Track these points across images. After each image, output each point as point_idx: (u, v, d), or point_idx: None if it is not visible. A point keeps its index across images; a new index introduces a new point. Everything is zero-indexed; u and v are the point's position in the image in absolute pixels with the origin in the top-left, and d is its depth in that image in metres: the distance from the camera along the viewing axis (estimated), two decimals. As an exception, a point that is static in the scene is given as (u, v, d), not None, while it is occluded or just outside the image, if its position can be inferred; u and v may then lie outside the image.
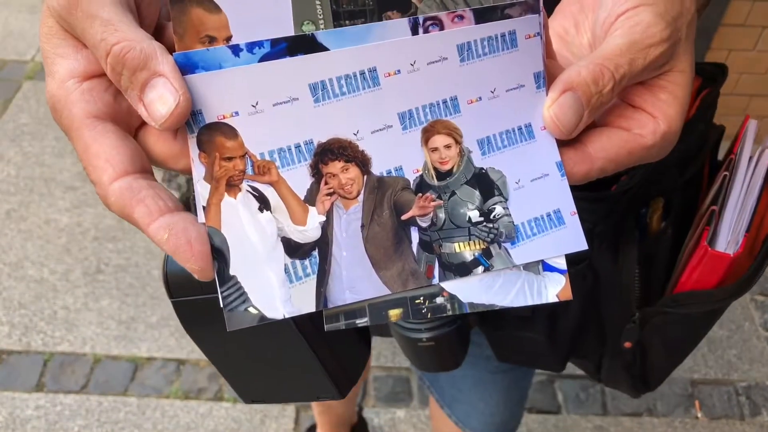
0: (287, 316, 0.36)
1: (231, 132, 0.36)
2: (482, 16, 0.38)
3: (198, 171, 0.36)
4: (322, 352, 0.40)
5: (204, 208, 0.36)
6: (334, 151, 0.37)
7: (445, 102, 0.38)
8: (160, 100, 0.34)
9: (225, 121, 0.36)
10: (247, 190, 0.37)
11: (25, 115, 2.22)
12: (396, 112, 0.37)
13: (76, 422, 1.60)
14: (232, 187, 0.36)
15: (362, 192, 0.37)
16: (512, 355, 0.80)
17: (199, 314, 0.40)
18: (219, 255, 0.35)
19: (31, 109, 2.24)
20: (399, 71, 0.37)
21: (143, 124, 0.38)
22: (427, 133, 0.38)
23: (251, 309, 0.35)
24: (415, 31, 0.37)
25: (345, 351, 0.43)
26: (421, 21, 0.37)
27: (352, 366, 0.44)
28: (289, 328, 0.39)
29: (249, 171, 0.37)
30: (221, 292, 0.35)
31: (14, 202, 2.00)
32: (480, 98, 0.39)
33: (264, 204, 0.37)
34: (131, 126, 0.38)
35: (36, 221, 1.96)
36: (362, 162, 0.37)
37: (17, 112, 2.22)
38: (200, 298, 0.39)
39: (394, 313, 0.37)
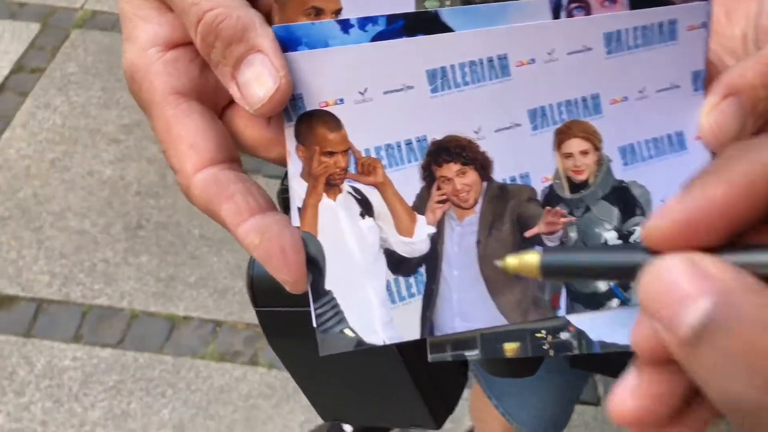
0: (387, 342, 0.31)
1: (334, 122, 0.31)
2: (639, 0, 0.31)
3: (294, 166, 0.31)
4: (421, 378, 0.36)
5: (299, 209, 0.31)
6: (450, 151, 0.32)
7: (584, 100, 0.32)
8: (258, 81, 0.29)
9: (328, 109, 0.31)
10: (349, 192, 0.32)
11: (72, 64, 2.19)
12: (526, 109, 0.32)
13: (112, 377, 1.60)
14: (332, 186, 0.31)
15: (480, 201, 0.32)
16: (589, 365, 0.75)
17: (286, 327, 0.36)
18: (314, 265, 0.31)
19: (79, 58, 2.21)
20: (533, 60, 0.32)
21: (232, 102, 0.33)
22: (562, 136, 0.32)
23: (347, 331, 0.31)
24: (556, 14, 0.31)
25: (444, 377, 0.38)
26: (564, 2, 0.31)
27: (451, 394, 0.39)
28: (389, 349, 0.34)
29: (351, 169, 0.31)
30: (315, 310, 0.30)
31: (59, 152, 1.99)
32: (626, 98, 0.33)
33: (366, 209, 0.32)
34: (218, 105, 0.33)
35: (79, 172, 1.95)
36: (482, 165, 0.32)
37: (65, 61, 2.20)
38: (289, 311, 0.35)
39: (510, 348, 0.32)
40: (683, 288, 0.19)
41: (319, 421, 1.56)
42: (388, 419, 0.40)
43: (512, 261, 0.24)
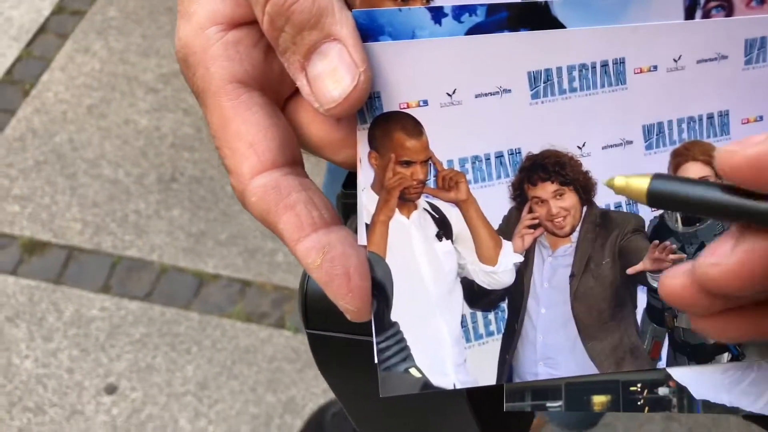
0: (459, 386, 0.27)
1: (415, 128, 0.26)
2: (794, 2, 0.26)
3: (365, 175, 0.26)
4: (488, 423, 0.32)
5: (367, 225, 0.27)
6: (547, 168, 0.27)
7: (711, 118, 0.27)
8: (332, 77, 0.24)
9: (409, 111, 0.26)
10: (425, 209, 0.27)
11: (113, 9, 2.15)
12: (641, 124, 0.27)
13: (138, 329, 1.60)
14: (407, 202, 0.27)
15: (578, 229, 0.27)
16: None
17: (341, 355, 0.31)
18: (379, 292, 0.26)
19: (120, 3, 2.17)
20: (655, 68, 0.26)
21: (297, 93, 0.28)
22: (679, 158, 0.27)
23: (413, 371, 0.27)
24: (690, 14, 0.26)
25: (512, 422, 0.34)
26: (702, 0, 0.26)
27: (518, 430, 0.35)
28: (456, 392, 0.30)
29: (430, 183, 0.27)
30: (377, 344, 0.26)
31: (96, 98, 1.97)
32: (760, 118, 0.27)
33: (444, 230, 0.27)
34: (281, 95, 0.28)
35: (115, 120, 1.93)
36: (584, 187, 0.27)
37: (106, 5, 2.16)
38: (347, 338, 0.31)
39: (600, 401, 0.28)
40: None
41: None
42: None
43: (620, 181, 0.23)
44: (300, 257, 0.26)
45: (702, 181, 0.26)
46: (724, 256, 0.21)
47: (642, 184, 0.22)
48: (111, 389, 1.53)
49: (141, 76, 2.01)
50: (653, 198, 0.22)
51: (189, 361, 1.57)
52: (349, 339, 0.30)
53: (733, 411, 0.28)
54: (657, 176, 0.22)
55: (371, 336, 0.30)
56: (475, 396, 0.31)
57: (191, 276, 1.69)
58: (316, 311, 0.31)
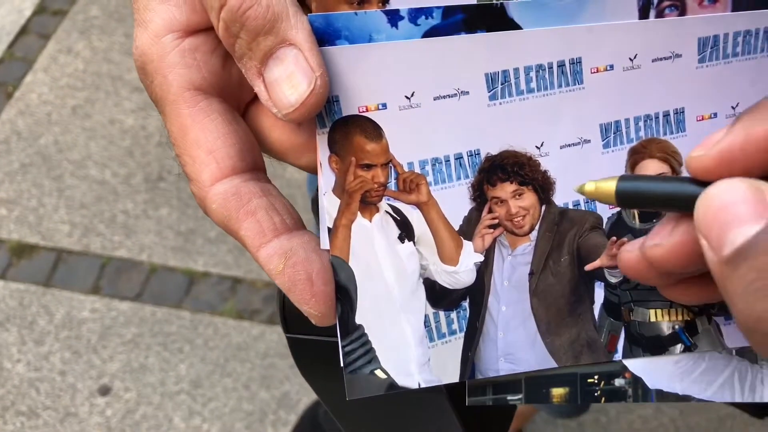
0: (423, 385, 0.27)
1: (374, 131, 0.27)
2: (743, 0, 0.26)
3: (326, 180, 0.27)
4: (468, 416, 0.32)
5: (329, 229, 0.27)
6: (506, 169, 0.27)
7: (666, 115, 0.27)
8: (289, 82, 0.25)
9: (368, 114, 0.26)
10: (387, 212, 0.27)
11: (95, 8, 2.14)
12: (598, 123, 0.27)
13: (130, 329, 1.60)
14: (368, 205, 0.27)
15: (537, 227, 0.28)
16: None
17: (319, 357, 0.32)
18: (343, 295, 0.27)
19: (102, 1, 2.15)
20: (611, 67, 0.27)
21: (257, 98, 0.29)
22: (636, 156, 0.28)
23: (378, 372, 0.27)
24: (644, 14, 0.26)
25: (493, 415, 0.35)
26: (655, 0, 0.26)
27: (499, 425, 0.35)
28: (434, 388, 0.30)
29: (392, 186, 0.27)
30: (343, 347, 0.27)
31: (80, 98, 1.96)
32: (714, 115, 0.28)
33: (406, 231, 0.28)
34: (241, 101, 0.28)
35: (101, 120, 1.92)
36: (542, 186, 0.28)
37: (88, 4, 2.14)
38: (325, 340, 0.31)
39: (558, 393, 0.28)
40: (739, 210, 0.19)
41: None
42: None
43: (590, 186, 0.24)
44: (262, 263, 0.26)
45: (663, 177, 0.27)
46: (664, 237, 0.23)
47: (610, 186, 0.23)
48: (104, 390, 1.53)
49: (125, 75, 2.00)
50: (622, 198, 0.23)
51: (182, 359, 1.57)
52: (327, 342, 0.31)
53: (685, 399, 0.28)
54: (623, 177, 0.23)
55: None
56: (454, 391, 0.31)
57: (181, 275, 1.69)
58: (294, 316, 0.31)
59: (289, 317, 0.33)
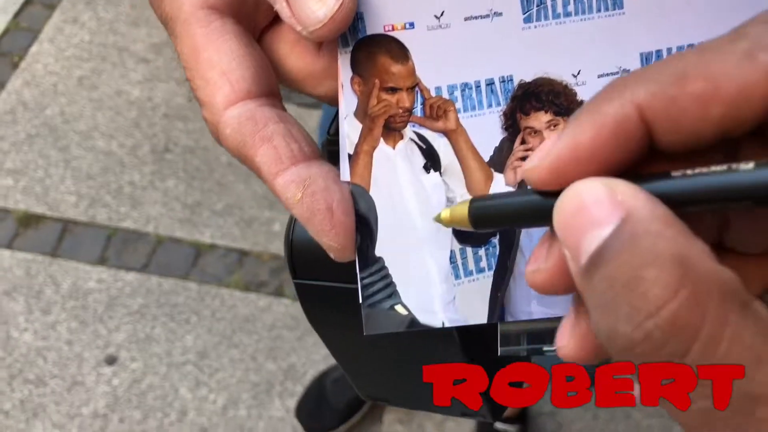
0: (447, 325, 0.26)
1: (400, 52, 0.25)
2: None
3: (348, 102, 0.25)
4: (482, 365, 0.31)
5: (350, 156, 0.25)
6: (540, 97, 0.26)
7: None
8: None
9: (394, 34, 0.25)
10: (411, 139, 0.26)
11: (101, -24, 2.11)
12: (638, 52, 0.25)
13: (136, 300, 1.60)
14: (392, 131, 0.26)
15: None
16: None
17: (328, 303, 0.30)
18: (363, 225, 0.25)
19: (108, -31, 2.13)
20: None
21: (273, 23, 0.27)
22: None
23: (399, 308, 0.26)
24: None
25: (508, 364, 0.33)
26: None
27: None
28: (446, 333, 0.29)
29: (417, 111, 0.26)
30: (361, 279, 0.25)
31: (86, 69, 1.94)
32: None
33: (432, 161, 0.26)
34: (257, 25, 0.27)
35: (107, 91, 1.90)
36: None
37: (93, -28, 2.12)
38: (335, 286, 0.29)
39: None
40: (591, 212, 0.18)
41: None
42: (439, 407, 0.35)
43: (445, 214, 0.22)
44: (279, 192, 0.24)
45: (517, 192, 0.25)
46: (541, 261, 0.21)
47: (463, 210, 0.22)
48: (111, 360, 1.53)
49: (131, 47, 1.98)
50: (477, 222, 0.22)
51: (188, 330, 1.57)
52: (336, 288, 0.29)
53: None
54: (474, 200, 0.22)
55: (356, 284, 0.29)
56: (471, 349, 0.30)
57: (188, 246, 1.68)
58: (302, 261, 0.30)
59: (298, 262, 0.31)
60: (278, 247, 1.69)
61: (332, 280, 0.30)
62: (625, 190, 0.18)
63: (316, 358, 1.56)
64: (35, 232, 1.69)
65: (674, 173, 0.18)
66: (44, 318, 1.57)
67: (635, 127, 0.18)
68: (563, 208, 0.18)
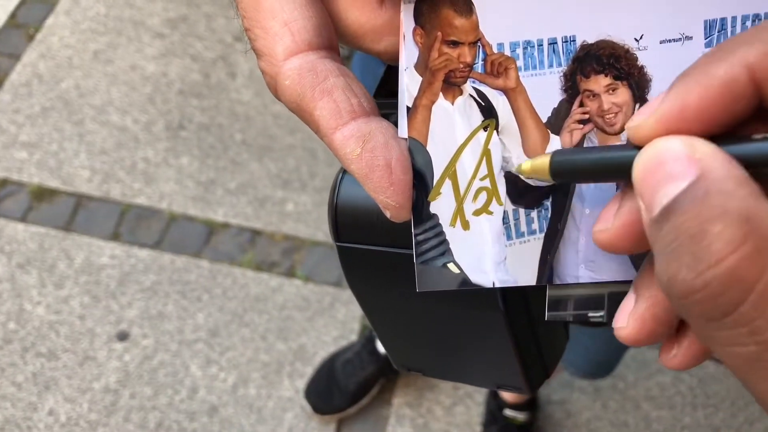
0: (498, 285, 0.25)
1: (465, 5, 0.24)
2: None
3: (409, 54, 0.24)
4: (523, 337, 0.30)
5: (408, 109, 0.25)
6: (602, 60, 0.25)
7: None
8: None
9: None
10: (471, 95, 0.25)
11: (118, -50, 2.10)
12: (703, 18, 0.25)
13: (149, 276, 1.60)
14: (451, 86, 0.25)
15: None
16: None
17: (373, 268, 0.30)
18: (419, 181, 0.25)
19: (125, -56, 2.12)
20: None
21: None
22: None
23: (451, 266, 0.25)
24: None
25: (547, 336, 0.33)
26: None
27: (551, 355, 0.34)
28: (490, 298, 0.28)
29: (478, 67, 0.25)
30: (416, 236, 0.25)
31: (102, 43, 1.93)
32: None
33: (490, 118, 0.25)
34: None
35: (122, 66, 1.90)
36: (638, 83, 0.25)
37: (110, -54, 2.11)
38: (380, 250, 0.29)
39: None
40: (669, 167, 0.18)
41: (353, 337, 1.56)
42: (474, 378, 0.35)
43: (526, 165, 0.23)
44: (337, 147, 0.24)
45: (600, 147, 0.25)
46: (609, 220, 0.22)
47: (544, 162, 0.22)
48: (123, 336, 1.54)
49: (147, 21, 1.97)
50: (557, 173, 0.22)
51: (200, 308, 1.57)
52: (380, 251, 0.29)
53: None
54: (557, 153, 0.22)
55: (402, 248, 0.28)
56: (515, 321, 0.29)
57: (201, 224, 1.68)
58: (346, 224, 0.29)
59: (342, 225, 0.31)
60: (291, 228, 1.69)
61: (377, 244, 0.29)
62: (704, 149, 0.18)
63: (326, 339, 1.56)
64: (49, 206, 1.69)
65: (755, 136, 0.19)
66: (57, 292, 1.58)
67: (744, 88, 0.19)
68: (644, 162, 0.19)
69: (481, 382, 0.35)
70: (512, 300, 0.29)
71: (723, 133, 0.19)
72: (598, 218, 0.22)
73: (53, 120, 1.80)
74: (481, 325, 0.30)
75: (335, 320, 1.58)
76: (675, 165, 0.18)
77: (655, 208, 0.18)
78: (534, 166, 0.23)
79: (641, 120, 0.20)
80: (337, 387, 1.47)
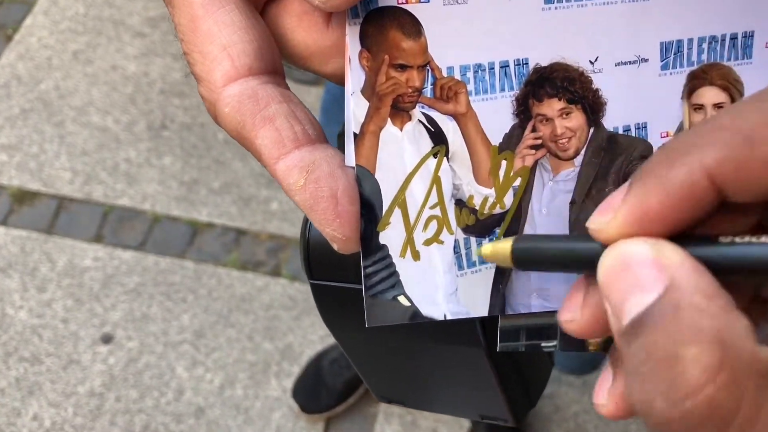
0: (449, 317, 0.25)
1: (413, 26, 0.23)
2: None
3: (355, 78, 0.24)
4: (505, 370, 0.29)
5: (355, 135, 0.24)
6: (555, 83, 0.24)
7: (734, 38, 0.24)
8: None
9: (407, 7, 0.23)
10: (420, 121, 0.24)
11: (96, -52, 2.07)
12: (659, 41, 0.24)
13: (133, 278, 1.59)
14: (400, 111, 0.24)
15: (583, 152, 0.25)
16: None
17: (347, 306, 0.29)
18: (367, 211, 0.24)
19: (103, -59, 2.09)
20: None
21: None
22: (695, 81, 0.25)
23: (402, 299, 0.24)
24: None
25: (531, 366, 0.32)
26: None
27: (536, 385, 0.33)
28: (470, 333, 0.27)
29: (427, 92, 0.24)
30: (364, 268, 0.24)
31: (81, 43, 1.91)
32: None
33: (440, 144, 0.25)
34: None
35: (102, 66, 1.87)
36: (592, 107, 0.25)
37: (88, -57, 2.08)
38: (353, 288, 0.28)
39: (595, 341, 0.26)
40: (636, 274, 0.18)
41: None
42: (458, 410, 0.34)
43: (486, 249, 0.22)
44: (280, 177, 0.23)
45: (564, 236, 0.25)
46: (576, 311, 0.21)
47: (506, 247, 0.21)
48: (107, 339, 1.53)
49: (127, 20, 1.95)
50: (519, 259, 0.21)
51: (185, 310, 1.56)
52: (355, 289, 0.28)
53: None
54: (519, 239, 0.22)
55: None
56: (495, 354, 0.29)
57: (185, 225, 1.67)
58: (319, 261, 0.29)
59: (314, 262, 0.30)
60: (276, 227, 1.68)
61: (350, 282, 0.29)
62: (670, 255, 0.18)
63: (312, 338, 1.55)
64: (30, 208, 1.67)
65: (722, 239, 0.18)
66: (39, 296, 1.56)
67: (705, 192, 0.18)
68: (609, 265, 0.19)
69: (464, 414, 0.34)
70: (492, 334, 0.28)
71: (686, 232, 0.19)
72: (563, 306, 0.21)
73: (33, 121, 1.78)
74: (461, 359, 0.30)
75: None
76: (642, 272, 0.18)
77: (624, 318, 0.18)
78: (495, 250, 0.22)
79: (603, 222, 0.19)
80: (324, 386, 1.46)
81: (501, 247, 0.21)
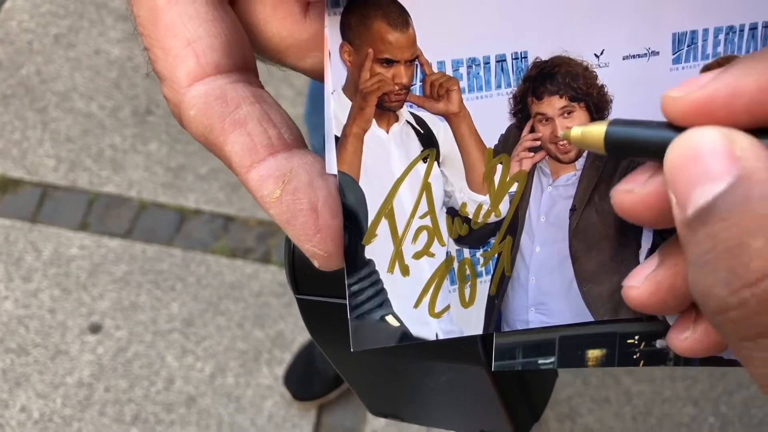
0: (441, 337, 0.23)
1: (400, 17, 0.21)
2: None
3: (335, 75, 0.21)
4: (508, 385, 0.28)
5: (337, 139, 0.22)
6: (557, 79, 0.22)
7: (753, 29, 0.22)
8: None
9: None
10: (408, 122, 0.22)
11: (76, -73, 2.02)
12: (670, 32, 0.22)
13: (120, 267, 1.56)
14: (386, 111, 0.22)
15: (585, 155, 0.23)
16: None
17: (335, 321, 0.27)
18: (351, 222, 0.22)
19: None
20: None
21: None
22: None
23: (390, 318, 0.22)
24: None
25: (534, 379, 0.30)
26: None
27: (540, 397, 0.31)
28: (471, 350, 0.25)
29: (416, 90, 0.22)
30: (349, 286, 0.22)
31: (63, 26, 1.86)
32: None
33: (430, 148, 0.23)
34: None
35: (85, 50, 1.83)
36: (597, 105, 0.22)
37: (68, -77, 2.02)
38: (338, 302, 0.26)
39: (594, 356, 0.24)
40: (708, 163, 0.17)
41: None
42: (458, 424, 0.32)
43: (576, 132, 0.20)
44: (253, 189, 0.21)
45: (659, 122, 0.22)
46: (638, 184, 0.20)
47: (599, 130, 0.20)
48: (95, 328, 1.51)
49: (110, 3, 1.90)
50: (611, 144, 0.20)
51: (174, 298, 1.54)
52: (342, 304, 0.26)
53: (732, 363, 0.24)
54: (614, 122, 0.20)
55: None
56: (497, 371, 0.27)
57: (172, 212, 1.64)
58: (304, 275, 0.27)
59: (300, 277, 0.28)
60: (265, 213, 1.65)
61: (338, 296, 0.26)
62: (745, 146, 0.17)
63: (303, 325, 1.54)
64: (13, 197, 1.64)
65: None
66: (25, 286, 1.53)
67: None
68: (678, 153, 0.18)
69: (465, 428, 0.32)
70: (492, 350, 0.26)
71: (763, 127, 0.18)
72: (626, 178, 0.20)
73: (15, 108, 1.74)
74: (460, 376, 0.28)
75: (312, 306, 1.56)
76: (713, 161, 0.17)
77: (689, 208, 0.17)
78: (585, 133, 0.20)
79: (682, 93, 0.18)
80: (316, 373, 1.45)
81: (593, 130, 0.20)
